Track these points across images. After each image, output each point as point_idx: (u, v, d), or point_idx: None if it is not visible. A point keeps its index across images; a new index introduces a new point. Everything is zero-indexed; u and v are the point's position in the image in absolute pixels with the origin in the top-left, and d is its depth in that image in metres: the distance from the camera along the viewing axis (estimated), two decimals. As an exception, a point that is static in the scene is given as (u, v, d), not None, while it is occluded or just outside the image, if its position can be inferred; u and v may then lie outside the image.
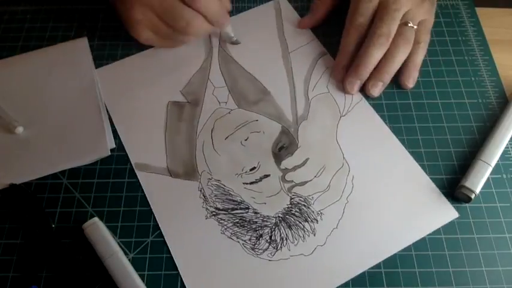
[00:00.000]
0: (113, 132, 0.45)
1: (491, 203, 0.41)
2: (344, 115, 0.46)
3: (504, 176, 0.42)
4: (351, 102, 0.47)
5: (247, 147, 0.43)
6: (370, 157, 0.43)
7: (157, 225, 0.40)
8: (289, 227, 0.39)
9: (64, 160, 0.43)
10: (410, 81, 0.47)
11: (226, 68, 0.49)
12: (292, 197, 0.41)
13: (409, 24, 0.46)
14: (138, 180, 0.42)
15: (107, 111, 0.46)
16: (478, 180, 0.40)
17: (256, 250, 0.38)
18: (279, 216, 0.40)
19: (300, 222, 0.39)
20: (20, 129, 0.44)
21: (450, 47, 0.51)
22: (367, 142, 0.44)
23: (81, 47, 0.50)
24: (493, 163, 0.42)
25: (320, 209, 0.40)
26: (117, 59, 0.50)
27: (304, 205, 0.40)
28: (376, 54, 0.45)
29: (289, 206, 0.40)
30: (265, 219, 0.40)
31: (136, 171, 0.42)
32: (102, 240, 0.38)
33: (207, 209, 0.40)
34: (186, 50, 0.50)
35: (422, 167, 0.43)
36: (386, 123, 0.45)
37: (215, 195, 0.41)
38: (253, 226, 0.39)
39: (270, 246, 0.38)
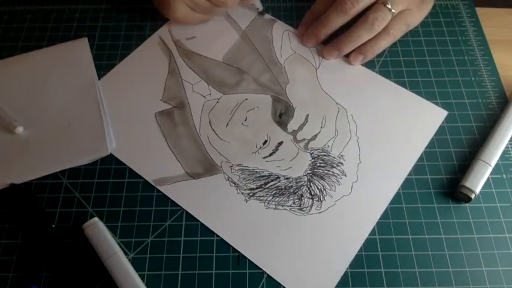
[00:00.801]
0: (115, 158, 0.44)
1: (491, 203, 0.41)
2: (318, 67, 0.49)
3: (504, 176, 0.42)
4: (317, 53, 0.50)
5: (250, 126, 0.45)
6: (356, 93, 0.47)
7: (157, 225, 0.40)
8: (322, 177, 0.42)
9: (64, 160, 0.43)
10: (359, 60, 0.48)
11: (193, 63, 0.49)
12: (311, 152, 0.43)
13: (388, 5, 0.45)
14: (158, 191, 0.41)
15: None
16: (478, 180, 0.40)
17: (304, 209, 0.41)
18: (308, 173, 0.42)
19: (328, 170, 0.42)
20: (20, 129, 0.44)
21: (450, 47, 0.51)
22: (347, 81, 0.48)
23: (81, 47, 0.50)
24: (493, 163, 0.42)
25: (339, 153, 0.43)
26: (117, 59, 0.50)
27: (325, 154, 0.43)
28: (337, 19, 0.46)
29: (312, 160, 0.43)
30: (297, 180, 0.42)
31: (158, 187, 0.42)
32: (102, 240, 0.38)
33: (242, 193, 0.41)
34: (148, 59, 0.50)
35: (422, 166, 0.43)
36: (386, 123, 0.46)
37: (244, 178, 0.42)
38: (291, 190, 0.41)
39: (314, 201, 0.41)
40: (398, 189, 0.42)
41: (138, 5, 0.54)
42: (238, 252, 0.39)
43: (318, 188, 0.41)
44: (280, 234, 0.39)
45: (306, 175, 0.42)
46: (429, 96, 0.47)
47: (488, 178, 0.41)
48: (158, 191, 0.42)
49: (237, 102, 0.46)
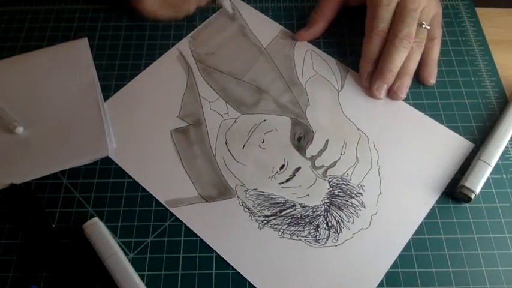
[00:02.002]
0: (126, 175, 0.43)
1: (491, 203, 0.41)
2: (340, 90, 0.47)
3: (504, 176, 0.42)
4: (340, 75, 0.48)
5: (267, 149, 0.43)
6: (378, 120, 0.45)
7: (157, 225, 0.40)
8: (339, 208, 0.40)
9: (64, 160, 0.43)
10: (432, 77, 0.48)
11: (212, 80, 0.48)
12: (329, 180, 0.42)
13: (423, 26, 0.46)
14: (176, 217, 0.40)
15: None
16: (478, 180, 0.40)
17: (320, 241, 0.39)
18: (325, 203, 0.40)
19: (347, 201, 0.40)
20: (20, 129, 0.44)
21: (450, 47, 0.51)
22: (370, 107, 0.46)
23: (81, 47, 0.50)
24: (493, 163, 0.42)
25: (359, 182, 0.42)
26: (117, 59, 0.50)
27: (344, 183, 0.41)
28: (400, 57, 0.45)
29: (330, 189, 0.41)
30: (314, 209, 0.40)
31: (170, 209, 0.40)
32: (102, 240, 0.38)
33: (256, 220, 0.40)
34: (166, 74, 0.48)
35: (422, 167, 0.43)
36: (386, 123, 0.46)
37: (258, 204, 0.40)
38: (307, 220, 0.40)
39: (331, 232, 0.39)
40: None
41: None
42: (249, 282, 0.37)
43: (335, 218, 0.40)
44: (294, 266, 0.38)
45: (323, 204, 0.40)
46: (429, 96, 0.47)
47: (488, 178, 0.41)
48: (158, 191, 0.42)
49: (255, 123, 0.45)
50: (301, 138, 0.43)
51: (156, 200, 0.41)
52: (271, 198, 0.41)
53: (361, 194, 0.41)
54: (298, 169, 0.42)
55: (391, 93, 0.46)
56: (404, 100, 0.47)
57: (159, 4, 0.48)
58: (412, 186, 0.41)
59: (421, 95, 0.47)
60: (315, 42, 0.51)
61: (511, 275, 0.38)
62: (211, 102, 0.46)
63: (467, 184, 0.40)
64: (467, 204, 0.41)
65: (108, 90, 0.48)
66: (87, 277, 0.38)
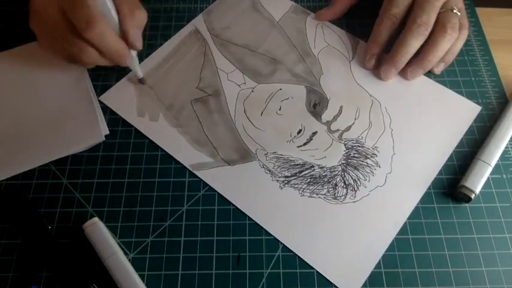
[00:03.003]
0: (149, 143, 0.44)
1: (491, 203, 0.41)
2: (352, 60, 0.50)
3: (504, 176, 0.42)
4: (351, 46, 0.51)
5: (284, 115, 0.46)
6: (389, 86, 0.47)
7: (157, 225, 0.40)
8: (356, 168, 0.42)
9: (60, 148, 0.43)
10: (441, 67, 0.47)
11: (228, 53, 0.50)
12: (345, 142, 0.44)
13: (455, 11, 0.45)
14: (199, 178, 0.42)
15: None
16: (478, 180, 0.40)
17: (339, 198, 0.41)
18: (342, 163, 0.43)
19: (362, 161, 0.43)
20: None
21: (450, 47, 0.51)
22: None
23: None
24: (493, 163, 0.42)
25: (373, 144, 0.44)
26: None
27: (359, 145, 0.44)
28: (414, 43, 0.45)
29: (346, 151, 0.43)
30: (332, 170, 0.42)
31: (195, 172, 0.42)
32: (102, 240, 0.38)
33: (277, 180, 0.42)
34: (184, 49, 0.51)
35: (423, 167, 0.43)
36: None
37: (278, 166, 0.43)
38: (325, 179, 0.42)
39: (349, 190, 0.41)
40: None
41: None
42: (273, 236, 0.39)
43: (352, 178, 0.42)
44: (314, 221, 0.40)
45: (340, 165, 0.43)
46: (429, 96, 0.47)
47: (488, 178, 0.41)
48: (158, 191, 0.42)
49: (271, 92, 0.47)
50: (316, 105, 0.46)
51: (156, 200, 0.41)
52: (291, 160, 0.43)
53: (375, 155, 0.43)
54: (314, 133, 0.44)
55: (403, 74, 0.47)
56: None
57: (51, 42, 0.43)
58: (423, 146, 0.44)
59: (421, 95, 0.47)
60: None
61: (511, 275, 0.38)
62: (229, 74, 0.49)
63: (467, 184, 0.40)
64: (467, 204, 0.41)
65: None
66: (87, 277, 0.37)
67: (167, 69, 0.49)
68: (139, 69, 0.46)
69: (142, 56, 0.50)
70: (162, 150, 0.44)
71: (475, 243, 0.39)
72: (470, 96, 0.47)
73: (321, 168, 0.42)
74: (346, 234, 0.39)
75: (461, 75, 0.49)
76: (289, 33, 0.52)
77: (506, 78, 0.49)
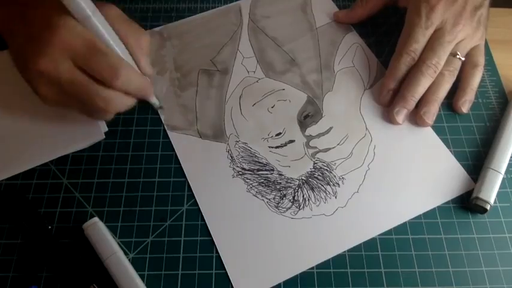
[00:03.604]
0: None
1: (491, 203, 0.41)
2: (368, 88, 0.48)
3: (504, 176, 0.42)
4: (375, 76, 0.49)
5: (273, 114, 0.46)
6: (391, 128, 0.45)
7: (157, 225, 0.40)
8: (312, 189, 0.41)
9: (60, 147, 0.43)
10: (466, 105, 0.46)
11: (255, 39, 0.52)
12: (316, 162, 0.43)
13: (457, 56, 0.45)
14: (170, 142, 0.44)
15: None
16: (491, 190, 0.40)
17: (280, 208, 0.41)
18: (302, 179, 0.42)
19: (322, 185, 0.42)
20: None
21: (450, 47, 0.51)
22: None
23: None
24: (503, 170, 0.41)
25: (342, 174, 0.42)
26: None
27: (327, 170, 0.42)
28: (424, 84, 0.44)
29: (312, 170, 0.42)
30: (289, 180, 0.42)
31: (167, 131, 0.45)
32: (102, 240, 0.38)
33: (234, 168, 0.43)
34: (219, 22, 0.53)
35: (422, 167, 0.43)
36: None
37: (242, 157, 0.43)
38: (278, 186, 0.42)
39: (293, 206, 0.41)
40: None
41: (138, 5, 0.55)
42: (204, 221, 0.40)
43: (303, 196, 0.41)
44: (247, 219, 0.40)
45: (299, 179, 0.42)
46: (429, 96, 0.47)
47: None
48: (158, 191, 0.42)
49: (273, 89, 0.48)
50: (307, 117, 0.45)
51: (156, 200, 0.41)
52: (256, 156, 0.43)
53: (338, 185, 0.42)
54: (291, 141, 0.44)
55: (417, 119, 0.45)
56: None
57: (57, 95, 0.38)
58: (389, 200, 0.41)
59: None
60: (365, 37, 0.52)
61: (511, 275, 0.38)
62: (245, 58, 0.50)
63: (482, 195, 0.39)
64: (467, 205, 0.41)
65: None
66: (86, 277, 0.37)
67: (195, 35, 0.52)
68: (155, 99, 0.45)
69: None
70: (162, 149, 0.44)
71: (475, 243, 0.39)
72: (470, 96, 0.47)
73: (280, 175, 0.42)
74: (270, 243, 0.39)
75: (461, 75, 0.49)
76: (322, 42, 0.51)
77: (506, 78, 0.49)
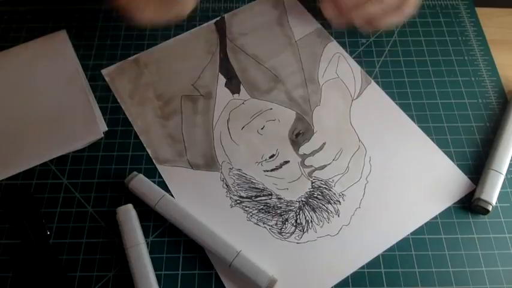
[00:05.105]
0: (124, 121, 0.45)
1: (491, 203, 0.41)
2: (355, 98, 0.47)
3: (504, 176, 0.42)
4: (360, 85, 0.48)
5: (264, 136, 0.44)
6: (384, 137, 0.44)
7: (157, 225, 0.40)
8: (313, 209, 0.40)
9: (59, 146, 0.44)
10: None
11: (235, 60, 0.50)
12: (313, 181, 0.42)
13: None
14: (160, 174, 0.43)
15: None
16: (493, 191, 0.40)
17: (284, 234, 0.39)
18: (302, 200, 0.41)
19: (323, 205, 0.41)
20: None
21: (450, 47, 0.51)
22: (380, 123, 0.45)
23: (60, 38, 0.51)
24: (504, 171, 0.41)
25: (341, 191, 0.41)
26: (117, 59, 0.50)
27: (326, 188, 0.41)
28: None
29: (311, 190, 0.41)
30: (289, 204, 0.41)
31: (156, 165, 0.43)
32: (130, 228, 0.38)
33: (231, 197, 0.41)
34: (195, 44, 0.51)
35: (423, 167, 0.43)
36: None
37: (237, 184, 0.42)
38: (278, 211, 0.40)
39: (297, 229, 0.39)
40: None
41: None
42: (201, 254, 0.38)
43: (305, 218, 0.40)
44: (251, 249, 0.38)
45: (298, 201, 0.41)
46: (429, 96, 0.47)
47: (488, 178, 0.41)
48: (158, 191, 0.42)
49: (260, 109, 0.46)
50: (299, 135, 0.44)
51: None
52: (252, 182, 0.42)
53: (339, 202, 0.41)
54: (286, 162, 0.43)
55: (369, 22, 0.45)
56: (404, 100, 0.47)
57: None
58: (393, 212, 0.40)
59: (421, 95, 0.47)
60: (346, 46, 0.51)
61: (511, 275, 0.38)
62: (227, 80, 0.48)
63: (483, 197, 0.39)
64: (467, 205, 0.41)
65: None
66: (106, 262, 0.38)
67: (172, 60, 0.49)
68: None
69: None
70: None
71: (475, 243, 0.39)
72: (470, 96, 0.47)
73: (279, 199, 0.41)
74: (278, 271, 0.37)
75: (461, 75, 0.49)
76: (303, 55, 0.50)
77: (506, 78, 0.49)
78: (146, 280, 0.36)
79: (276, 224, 0.40)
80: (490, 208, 0.39)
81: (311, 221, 0.40)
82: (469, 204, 0.41)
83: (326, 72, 0.49)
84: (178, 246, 0.39)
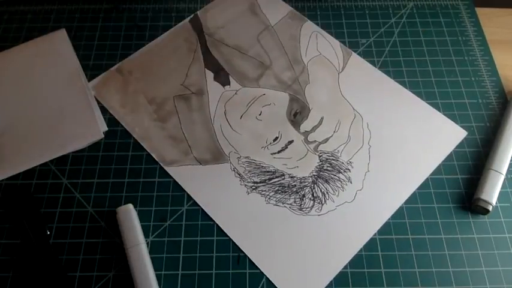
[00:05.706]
0: (124, 132, 0.45)
1: (491, 203, 0.41)
2: (341, 71, 0.49)
3: (504, 176, 0.42)
4: (343, 58, 0.50)
5: (264, 121, 0.45)
6: (376, 103, 0.47)
7: (157, 225, 0.40)
8: (326, 181, 0.42)
9: (60, 147, 0.44)
10: None
11: (218, 53, 0.50)
12: (320, 154, 0.43)
13: None
14: (171, 176, 0.43)
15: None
16: (493, 191, 0.40)
17: (304, 209, 0.41)
18: (314, 175, 0.42)
19: (334, 175, 0.42)
20: None
21: (450, 47, 0.51)
22: (369, 90, 0.48)
23: (60, 38, 0.51)
24: (504, 171, 0.41)
25: (348, 159, 0.43)
26: (117, 59, 0.50)
27: (333, 159, 0.43)
28: None
29: (320, 163, 0.43)
30: (302, 180, 0.42)
31: (165, 168, 0.43)
32: (131, 228, 0.38)
33: (245, 185, 0.42)
34: (176, 43, 0.51)
35: (422, 167, 0.43)
36: (386, 123, 0.46)
37: (249, 171, 0.43)
38: (294, 189, 0.42)
39: (315, 203, 0.41)
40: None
41: (138, 5, 0.55)
42: (231, 239, 0.39)
43: (321, 190, 0.41)
44: (277, 230, 0.40)
45: (311, 176, 0.42)
46: (429, 96, 0.47)
47: (488, 178, 0.41)
48: (158, 191, 0.42)
49: (254, 96, 0.47)
50: (297, 114, 0.45)
51: (156, 200, 0.41)
52: (262, 166, 0.43)
53: (349, 170, 0.43)
54: (290, 142, 0.44)
55: None
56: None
57: None
58: (399, 167, 0.43)
59: (421, 95, 0.47)
60: (316, 24, 0.52)
61: (511, 275, 0.38)
62: (215, 74, 0.49)
63: (484, 197, 0.40)
64: (466, 205, 0.41)
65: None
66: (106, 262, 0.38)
67: (156, 63, 0.49)
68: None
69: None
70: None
71: (475, 243, 0.39)
72: (470, 96, 0.47)
73: (292, 177, 0.42)
74: (306, 246, 0.39)
75: (461, 75, 0.49)
76: (282, 38, 0.51)
77: (506, 78, 0.49)
78: (146, 280, 0.36)
79: (295, 202, 0.41)
80: (490, 208, 0.39)
81: (327, 193, 0.41)
82: (469, 204, 0.41)
83: (308, 51, 0.50)
84: (178, 246, 0.39)
